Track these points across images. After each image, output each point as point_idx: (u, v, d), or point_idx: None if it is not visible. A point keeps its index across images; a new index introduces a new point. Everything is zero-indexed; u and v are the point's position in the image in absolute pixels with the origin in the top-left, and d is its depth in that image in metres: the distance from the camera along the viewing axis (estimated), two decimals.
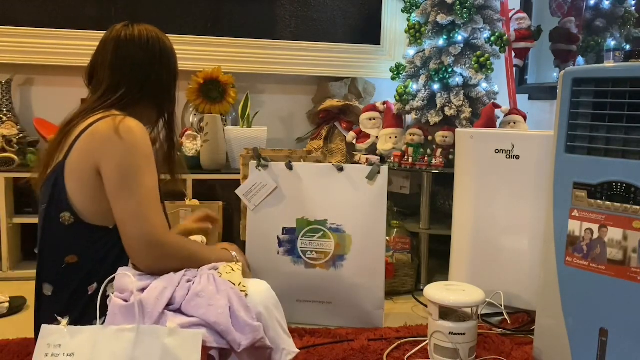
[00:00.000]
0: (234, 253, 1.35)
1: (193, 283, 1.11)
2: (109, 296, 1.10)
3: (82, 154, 1.18)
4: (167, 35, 1.36)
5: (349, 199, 1.89)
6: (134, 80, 1.29)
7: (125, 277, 1.09)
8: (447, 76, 2.34)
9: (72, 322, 1.16)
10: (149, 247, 1.13)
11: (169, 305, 1.07)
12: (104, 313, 1.09)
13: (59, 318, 1.03)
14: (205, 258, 1.23)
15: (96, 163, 1.16)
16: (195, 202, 2.30)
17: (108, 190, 1.16)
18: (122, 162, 1.15)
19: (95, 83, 1.31)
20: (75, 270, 1.18)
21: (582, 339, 1.40)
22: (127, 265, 1.18)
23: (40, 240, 1.23)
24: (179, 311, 1.08)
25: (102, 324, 1.07)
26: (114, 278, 1.11)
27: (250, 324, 1.07)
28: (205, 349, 1.02)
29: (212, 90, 2.55)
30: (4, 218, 2.26)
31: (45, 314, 1.20)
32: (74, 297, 1.18)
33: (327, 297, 1.89)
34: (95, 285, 1.18)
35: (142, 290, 1.09)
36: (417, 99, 2.38)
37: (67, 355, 0.97)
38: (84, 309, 1.18)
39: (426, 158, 2.33)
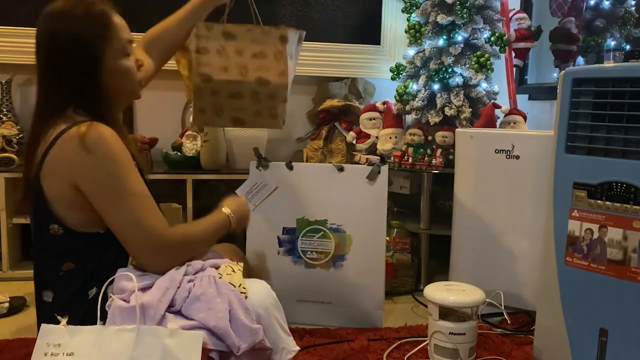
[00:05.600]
0: (227, 210, 1.30)
1: (194, 284, 1.11)
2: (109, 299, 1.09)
3: (55, 176, 1.10)
4: None
5: (349, 199, 1.89)
6: (52, 81, 1.15)
7: (125, 277, 1.09)
8: (447, 76, 2.34)
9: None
10: (157, 251, 1.12)
11: (169, 307, 1.07)
12: (104, 317, 1.07)
13: (58, 317, 1.03)
14: (207, 233, 1.23)
15: (73, 182, 1.09)
16: None
17: (96, 206, 1.10)
18: (99, 176, 1.08)
19: None
20: (74, 276, 1.16)
21: (582, 339, 1.40)
22: (125, 267, 1.17)
23: (34, 249, 1.20)
24: (179, 313, 1.07)
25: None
26: (112, 281, 1.10)
27: (250, 327, 1.07)
28: (205, 350, 1.02)
29: None
30: (4, 218, 2.25)
31: (47, 321, 1.19)
32: (74, 301, 1.16)
33: (327, 297, 1.89)
34: (94, 289, 1.15)
35: (143, 290, 1.08)
36: (417, 99, 2.38)
37: (67, 354, 0.97)
38: (85, 314, 1.16)
39: (426, 158, 2.32)
